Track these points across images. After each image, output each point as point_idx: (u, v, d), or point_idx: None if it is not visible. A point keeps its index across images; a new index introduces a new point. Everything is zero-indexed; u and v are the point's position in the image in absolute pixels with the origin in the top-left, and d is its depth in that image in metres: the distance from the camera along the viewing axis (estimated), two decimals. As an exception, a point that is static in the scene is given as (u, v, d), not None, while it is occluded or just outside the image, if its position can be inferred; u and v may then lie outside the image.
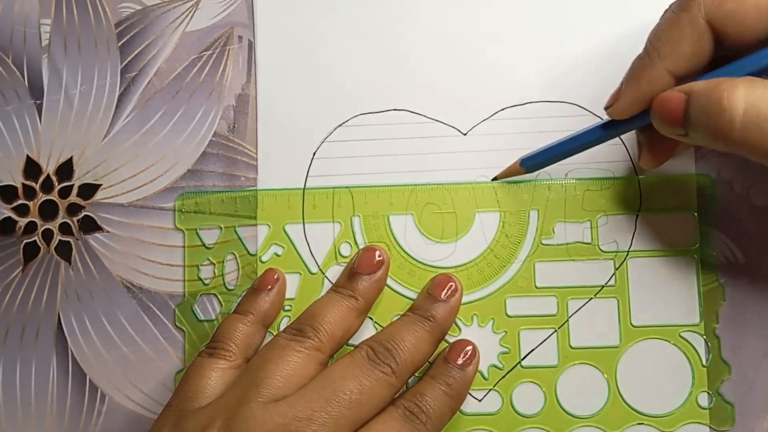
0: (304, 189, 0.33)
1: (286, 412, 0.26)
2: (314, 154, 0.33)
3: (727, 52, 0.26)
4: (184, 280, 0.33)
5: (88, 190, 0.34)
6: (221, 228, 0.33)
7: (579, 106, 0.33)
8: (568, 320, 0.32)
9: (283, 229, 0.33)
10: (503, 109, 0.33)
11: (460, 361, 0.30)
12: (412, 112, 0.33)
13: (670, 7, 0.27)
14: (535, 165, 0.32)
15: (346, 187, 0.33)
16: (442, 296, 0.31)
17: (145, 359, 0.33)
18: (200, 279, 0.33)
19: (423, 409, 0.28)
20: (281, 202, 0.33)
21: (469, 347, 0.30)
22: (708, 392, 0.31)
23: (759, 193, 0.32)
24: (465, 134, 0.33)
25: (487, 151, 0.33)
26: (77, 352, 0.33)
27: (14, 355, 0.33)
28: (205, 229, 0.33)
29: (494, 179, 0.32)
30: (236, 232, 0.33)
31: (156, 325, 0.33)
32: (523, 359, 0.32)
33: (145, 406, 0.33)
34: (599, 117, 0.32)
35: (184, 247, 0.33)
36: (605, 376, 0.31)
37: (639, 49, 0.32)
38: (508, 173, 0.32)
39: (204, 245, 0.33)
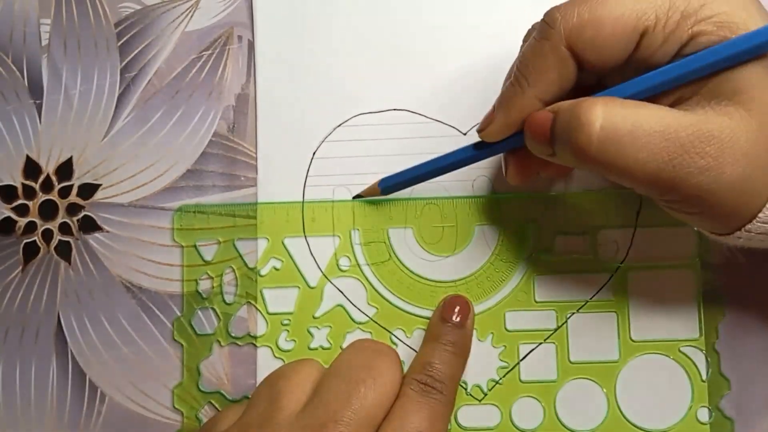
0: (303, 202, 0.33)
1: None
2: (314, 154, 0.33)
3: (590, 76, 0.26)
4: (183, 280, 0.33)
5: (88, 190, 0.34)
6: (220, 242, 0.33)
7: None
8: (567, 334, 0.32)
9: (282, 242, 0.33)
10: (503, 109, 0.33)
11: (457, 319, 0.30)
12: (412, 112, 0.33)
13: (532, 33, 0.27)
14: (392, 187, 0.32)
15: (346, 201, 0.33)
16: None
17: (145, 359, 0.33)
18: (199, 293, 0.33)
19: (436, 377, 0.28)
20: (280, 215, 0.33)
21: (460, 303, 0.31)
22: (708, 407, 0.31)
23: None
24: (465, 134, 0.33)
25: (487, 150, 0.33)
26: (77, 352, 0.33)
27: (14, 355, 0.33)
28: (203, 243, 0.33)
29: (355, 197, 0.33)
30: (235, 246, 0.33)
31: (156, 325, 0.33)
32: (522, 359, 0.32)
33: (145, 406, 0.33)
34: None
35: (182, 247, 0.33)
36: (604, 390, 0.31)
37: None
38: (368, 194, 0.32)
39: (202, 259, 0.33)
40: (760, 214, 0.24)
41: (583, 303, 0.32)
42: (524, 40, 0.29)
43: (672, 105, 0.25)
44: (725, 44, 0.24)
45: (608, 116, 0.24)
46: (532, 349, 0.32)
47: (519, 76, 0.27)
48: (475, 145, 0.29)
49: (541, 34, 0.26)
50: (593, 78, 0.27)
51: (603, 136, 0.24)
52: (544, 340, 0.32)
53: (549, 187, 0.32)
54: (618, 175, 0.25)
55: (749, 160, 0.24)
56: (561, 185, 0.32)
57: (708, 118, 0.24)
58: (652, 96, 0.25)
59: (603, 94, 0.26)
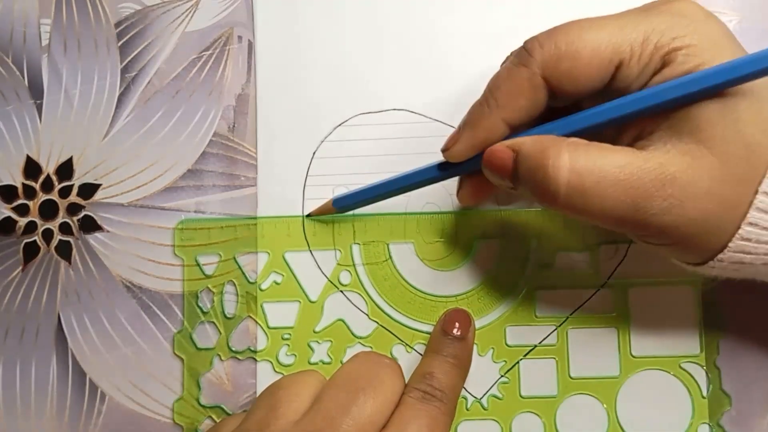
0: (303, 216, 0.33)
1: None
2: (314, 153, 0.33)
3: (560, 103, 0.27)
4: (183, 280, 0.33)
5: (88, 189, 0.34)
6: (220, 256, 0.33)
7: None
8: (567, 350, 0.32)
9: (283, 256, 0.33)
10: (503, 109, 0.33)
11: (458, 332, 0.30)
12: (412, 112, 0.33)
13: (509, 57, 0.27)
14: (349, 206, 0.32)
15: (347, 215, 0.33)
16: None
17: (145, 359, 0.33)
18: (199, 306, 0.33)
19: (436, 386, 0.28)
20: (281, 229, 0.33)
21: (462, 317, 0.31)
22: (708, 424, 0.31)
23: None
24: (465, 134, 0.33)
25: (486, 150, 0.33)
26: (77, 352, 0.33)
27: (14, 355, 0.33)
28: (204, 258, 0.33)
29: (308, 215, 0.33)
30: (235, 260, 0.33)
31: (156, 325, 0.33)
32: (527, 354, 0.32)
33: (145, 405, 0.33)
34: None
35: (182, 260, 0.33)
36: (605, 406, 0.31)
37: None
38: (321, 211, 0.32)
39: (203, 273, 0.33)
40: (730, 244, 0.24)
41: (583, 318, 0.32)
42: (502, 64, 0.29)
43: (635, 139, 0.26)
44: (682, 80, 0.24)
45: (574, 167, 0.24)
46: (517, 361, 0.32)
47: (489, 96, 0.27)
48: (439, 166, 0.29)
49: (519, 59, 0.26)
50: (565, 102, 0.27)
51: (569, 188, 0.24)
52: (524, 355, 0.31)
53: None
54: (584, 219, 0.25)
55: (711, 197, 0.24)
56: None
57: (670, 160, 0.24)
58: (616, 128, 0.26)
59: (564, 126, 0.26)
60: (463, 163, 0.28)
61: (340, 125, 0.33)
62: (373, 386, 0.27)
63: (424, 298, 0.32)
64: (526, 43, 0.26)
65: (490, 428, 0.31)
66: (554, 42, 0.25)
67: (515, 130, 0.27)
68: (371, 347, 0.32)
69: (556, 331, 0.32)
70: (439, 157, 0.33)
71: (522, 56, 0.26)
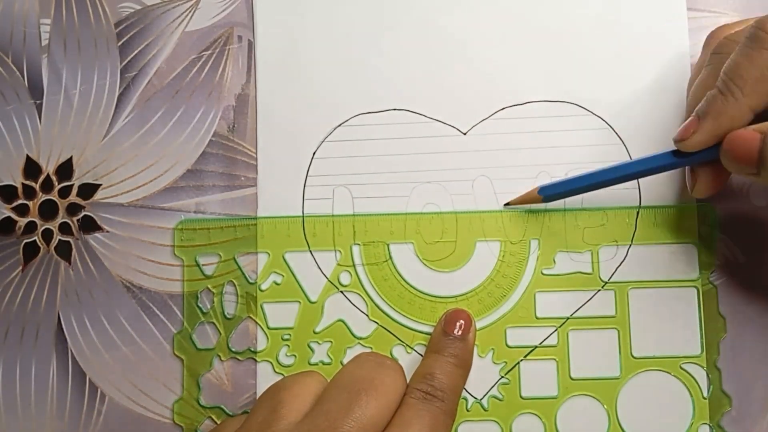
0: (303, 216, 0.33)
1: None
2: (314, 153, 0.33)
3: None
4: (183, 280, 0.33)
5: (88, 189, 0.34)
6: (220, 256, 0.33)
7: (579, 105, 0.33)
8: (568, 351, 0.32)
9: (283, 257, 0.33)
10: (503, 109, 0.33)
11: (458, 333, 0.30)
12: (412, 111, 0.33)
13: (743, 41, 0.26)
14: (555, 195, 0.31)
15: (347, 216, 0.33)
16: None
17: (145, 359, 0.33)
18: (199, 307, 0.33)
19: (437, 386, 0.28)
20: (281, 230, 0.33)
21: (463, 317, 0.31)
22: (709, 425, 0.31)
23: (758, 193, 0.32)
24: (465, 134, 0.33)
25: (487, 150, 0.33)
26: (77, 352, 0.33)
27: (14, 355, 0.33)
28: (204, 258, 0.33)
29: (507, 204, 0.32)
30: (235, 261, 0.33)
31: (156, 325, 0.33)
32: (527, 355, 0.32)
33: (145, 405, 0.33)
34: (599, 117, 0.32)
35: (182, 261, 0.33)
36: (606, 407, 0.31)
37: (637, 48, 0.31)
38: (523, 200, 0.32)
39: (203, 273, 0.33)
40: None
41: (584, 319, 0.32)
42: (708, 46, 0.28)
43: None
44: None
45: None
46: (518, 362, 0.31)
47: (731, 85, 0.26)
48: (674, 153, 0.29)
49: (759, 43, 0.25)
50: None
51: None
52: (525, 356, 0.31)
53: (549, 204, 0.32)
54: None
55: None
56: (561, 202, 0.32)
57: None
58: None
59: None
60: (699, 152, 0.28)
61: (340, 125, 0.33)
62: (374, 387, 0.27)
63: (425, 299, 0.32)
64: (762, 24, 0.25)
65: (491, 429, 0.31)
66: None
67: (758, 117, 0.26)
68: (371, 348, 0.32)
69: (556, 332, 0.32)
70: (438, 158, 0.33)
71: (762, 39, 0.25)
